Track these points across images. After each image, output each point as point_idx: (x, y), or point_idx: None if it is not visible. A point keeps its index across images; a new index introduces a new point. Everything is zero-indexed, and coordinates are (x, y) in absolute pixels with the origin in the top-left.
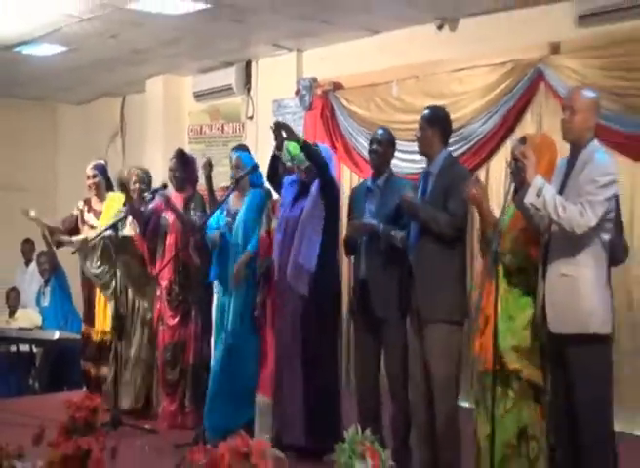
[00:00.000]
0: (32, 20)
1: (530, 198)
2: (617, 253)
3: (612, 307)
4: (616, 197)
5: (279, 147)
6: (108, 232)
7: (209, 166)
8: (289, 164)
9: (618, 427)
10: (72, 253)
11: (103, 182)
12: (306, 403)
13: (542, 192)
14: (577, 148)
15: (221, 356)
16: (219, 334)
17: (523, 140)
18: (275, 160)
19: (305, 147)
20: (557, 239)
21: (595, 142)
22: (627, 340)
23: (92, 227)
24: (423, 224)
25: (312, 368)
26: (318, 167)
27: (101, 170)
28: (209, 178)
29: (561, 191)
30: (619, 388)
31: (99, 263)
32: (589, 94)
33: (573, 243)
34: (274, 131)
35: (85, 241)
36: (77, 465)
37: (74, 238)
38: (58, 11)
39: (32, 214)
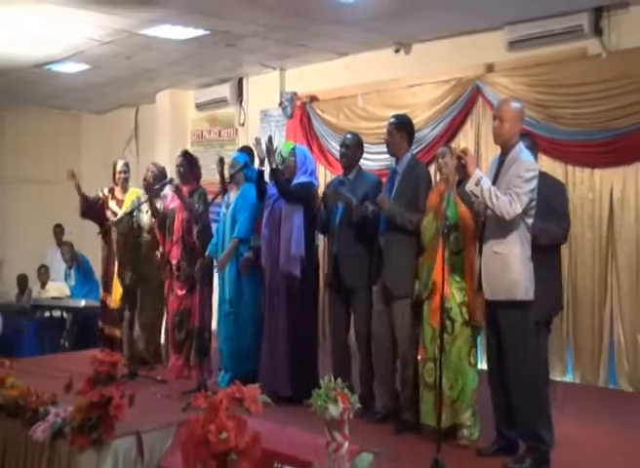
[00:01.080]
0: (61, 43)
1: (470, 186)
2: (553, 236)
3: (533, 278)
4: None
5: (262, 163)
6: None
7: (221, 163)
8: (281, 166)
9: None
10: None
11: (129, 177)
12: (291, 358)
13: (480, 182)
14: (505, 150)
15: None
16: (222, 303)
17: (448, 148)
18: (261, 175)
19: (272, 171)
20: (490, 222)
21: (520, 145)
22: None
23: (114, 213)
24: (399, 226)
25: (296, 330)
26: (276, 187)
27: (129, 167)
28: (222, 173)
29: (493, 184)
30: None
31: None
32: (515, 105)
33: (503, 226)
34: (268, 143)
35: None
36: (101, 409)
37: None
38: (82, 35)
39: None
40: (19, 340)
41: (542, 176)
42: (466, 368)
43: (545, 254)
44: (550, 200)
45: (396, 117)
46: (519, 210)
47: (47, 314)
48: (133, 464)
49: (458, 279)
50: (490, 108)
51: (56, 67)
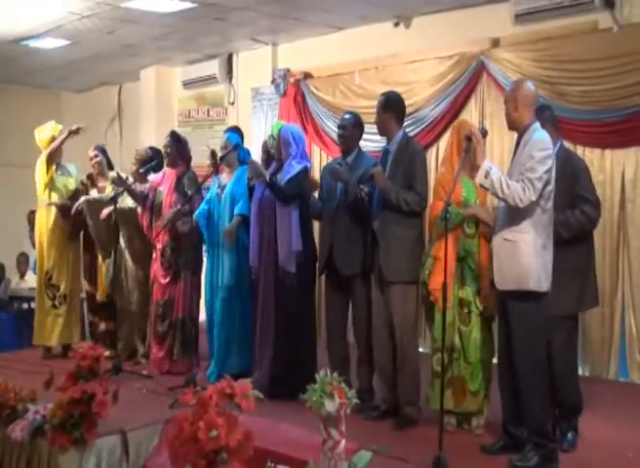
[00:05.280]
0: (38, 17)
1: (480, 179)
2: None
3: (549, 268)
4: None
5: (251, 179)
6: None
7: (213, 156)
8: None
9: None
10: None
11: (104, 160)
12: (287, 352)
13: (490, 174)
14: (521, 133)
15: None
16: (211, 292)
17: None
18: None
19: (267, 185)
20: (502, 208)
21: (536, 124)
22: None
23: None
24: (394, 205)
25: (294, 324)
26: (273, 193)
27: (101, 150)
28: (215, 165)
29: (510, 168)
30: None
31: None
32: (528, 87)
33: (515, 212)
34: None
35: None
36: (83, 406)
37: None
38: (61, 9)
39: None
40: None
41: (565, 159)
42: (487, 358)
43: (569, 246)
44: (572, 188)
45: (383, 95)
46: (534, 197)
47: (25, 306)
48: (117, 464)
49: (472, 266)
50: (495, 85)
51: (33, 43)
